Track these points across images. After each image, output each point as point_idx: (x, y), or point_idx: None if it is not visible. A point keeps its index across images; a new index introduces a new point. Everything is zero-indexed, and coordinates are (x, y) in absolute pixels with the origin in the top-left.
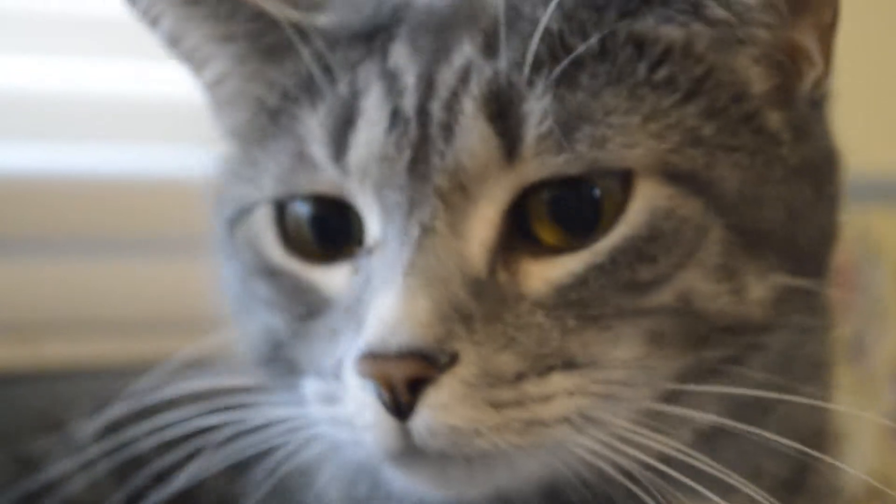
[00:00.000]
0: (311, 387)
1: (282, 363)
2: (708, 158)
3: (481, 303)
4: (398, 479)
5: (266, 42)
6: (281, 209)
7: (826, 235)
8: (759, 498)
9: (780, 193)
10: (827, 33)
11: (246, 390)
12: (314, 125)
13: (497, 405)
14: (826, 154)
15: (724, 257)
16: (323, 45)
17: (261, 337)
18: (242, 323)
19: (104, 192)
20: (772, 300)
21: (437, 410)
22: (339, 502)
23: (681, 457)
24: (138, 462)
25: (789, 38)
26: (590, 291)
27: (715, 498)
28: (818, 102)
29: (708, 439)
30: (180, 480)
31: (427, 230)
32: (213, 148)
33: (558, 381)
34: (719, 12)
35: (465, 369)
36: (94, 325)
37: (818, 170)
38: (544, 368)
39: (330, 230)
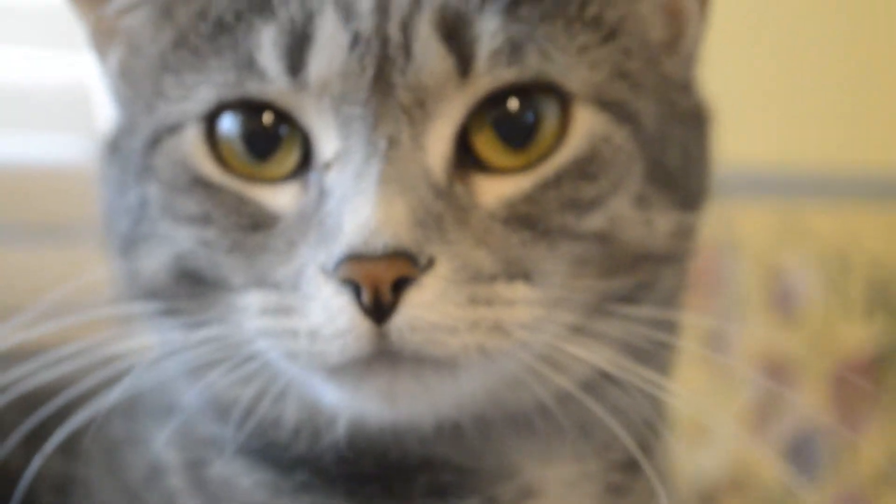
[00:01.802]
0: (254, 300)
1: (199, 284)
2: (632, 92)
3: (448, 209)
4: (341, 397)
5: None
6: (210, 128)
7: (706, 187)
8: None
9: (678, 136)
10: None
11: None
12: (265, 41)
13: (473, 301)
14: (704, 108)
15: (643, 187)
16: None
17: (170, 261)
18: (139, 252)
19: None
20: (672, 233)
21: (419, 308)
22: (263, 423)
23: (570, 397)
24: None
25: None
26: (539, 207)
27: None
28: (693, 61)
29: (587, 389)
30: (77, 419)
31: (394, 142)
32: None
33: (521, 289)
34: None
35: (444, 267)
36: None
37: (701, 121)
38: (511, 275)
39: (258, 146)
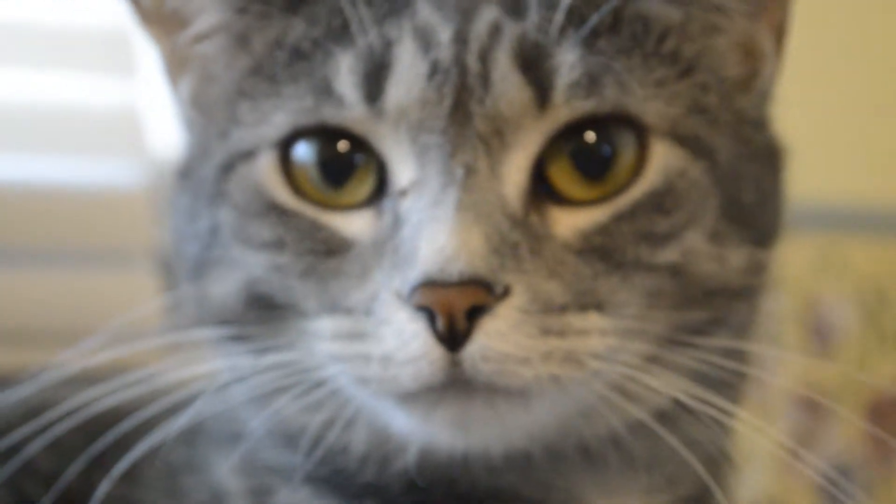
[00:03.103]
0: (326, 325)
1: (269, 309)
2: (709, 127)
3: (523, 238)
4: (412, 424)
5: None
6: (285, 154)
7: (779, 223)
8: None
9: (753, 172)
10: (780, 36)
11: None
12: (343, 68)
13: (545, 332)
14: (778, 146)
15: (717, 223)
16: None
17: (241, 286)
18: (210, 277)
19: None
20: (745, 269)
21: (493, 338)
22: (331, 450)
23: (643, 428)
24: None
25: (754, 34)
26: (613, 240)
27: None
28: (767, 99)
29: (661, 420)
30: (143, 445)
31: (471, 171)
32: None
33: (594, 319)
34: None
35: (519, 298)
36: None
37: (775, 158)
38: (583, 305)
39: (332, 174)
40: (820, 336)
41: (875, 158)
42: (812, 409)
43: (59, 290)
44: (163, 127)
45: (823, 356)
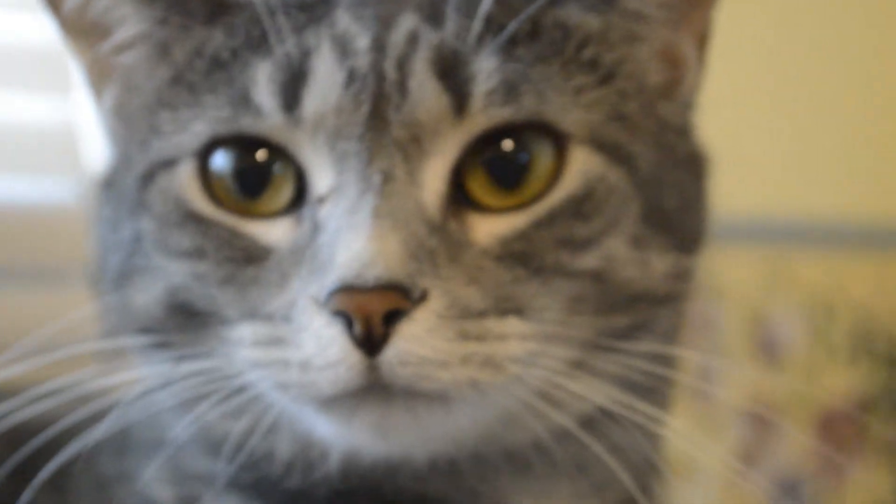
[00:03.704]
0: (246, 332)
1: (191, 317)
2: (628, 134)
3: (441, 244)
4: (333, 429)
5: (193, 4)
6: (203, 164)
7: (703, 230)
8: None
9: (675, 179)
10: (702, 45)
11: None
12: (261, 78)
13: (464, 337)
14: (701, 154)
15: (639, 229)
16: (266, 6)
17: (162, 294)
18: (132, 286)
19: None
20: (668, 274)
21: (410, 342)
22: (255, 457)
23: (568, 435)
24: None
25: (676, 43)
26: (532, 246)
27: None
28: (690, 107)
29: (586, 426)
30: (65, 454)
31: (388, 178)
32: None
33: (514, 324)
34: (631, 5)
35: (436, 302)
36: None
37: (699, 165)
38: (502, 310)
39: (249, 183)
40: (768, 350)
41: (821, 172)
42: (760, 422)
43: None
44: (98, 144)
45: (772, 370)
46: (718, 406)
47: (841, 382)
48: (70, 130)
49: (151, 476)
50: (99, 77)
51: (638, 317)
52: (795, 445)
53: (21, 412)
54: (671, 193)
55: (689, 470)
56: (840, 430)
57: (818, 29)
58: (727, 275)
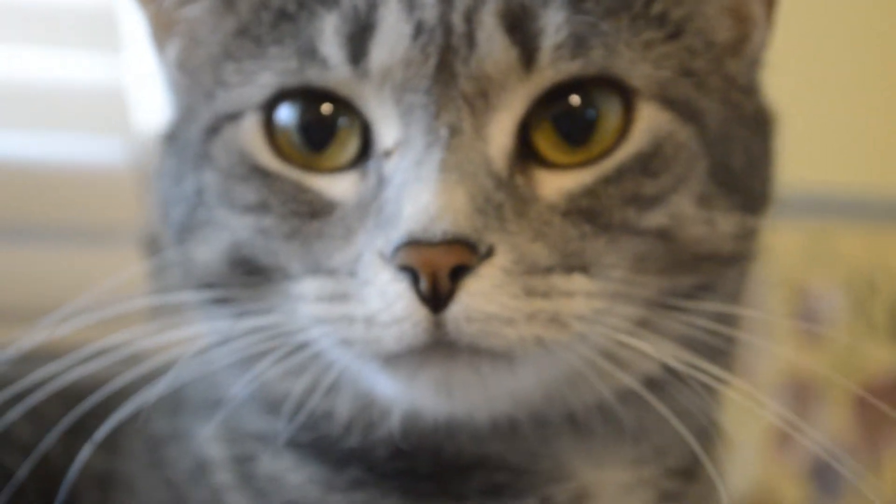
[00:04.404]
0: (309, 287)
1: (253, 272)
2: (697, 91)
3: (508, 198)
4: (396, 387)
5: None
6: (268, 117)
7: (769, 190)
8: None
9: (742, 138)
10: (771, 3)
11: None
12: (328, 30)
13: (529, 293)
14: (768, 113)
15: (705, 187)
16: None
17: (225, 248)
18: (195, 240)
19: None
20: (734, 234)
21: (476, 298)
22: (314, 416)
23: (632, 397)
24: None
25: (744, 0)
26: (600, 202)
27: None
28: (757, 66)
29: (651, 387)
30: (122, 412)
31: (455, 131)
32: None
33: (580, 281)
34: None
35: (503, 258)
36: None
37: (765, 124)
38: (568, 267)
39: (314, 137)
40: (808, 324)
41: (865, 146)
42: (801, 396)
43: (42, 267)
44: (147, 104)
45: (813, 344)
46: (759, 379)
47: (881, 357)
48: (120, 90)
49: (206, 435)
50: (162, 30)
51: (703, 276)
52: (835, 419)
53: (74, 371)
54: (738, 152)
55: (730, 442)
56: (879, 404)
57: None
58: (768, 248)
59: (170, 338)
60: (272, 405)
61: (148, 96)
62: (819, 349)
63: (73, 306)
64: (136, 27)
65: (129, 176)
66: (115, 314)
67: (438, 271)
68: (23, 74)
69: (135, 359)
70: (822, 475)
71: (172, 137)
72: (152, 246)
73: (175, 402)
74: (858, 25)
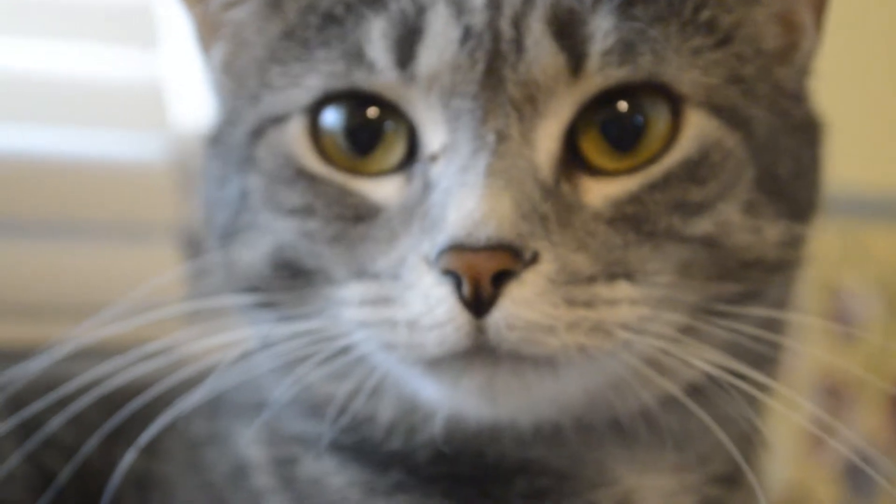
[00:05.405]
0: (353, 291)
1: (297, 276)
2: (745, 98)
3: (553, 207)
4: (439, 392)
5: None
6: (314, 120)
7: (816, 198)
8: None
9: (790, 146)
10: (820, 11)
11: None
12: (375, 33)
13: (572, 303)
14: (816, 120)
15: (752, 195)
16: None
17: (269, 252)
18: (238, 243)
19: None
20: (780, 242)
21: (518, 305)
22: (357, 419)
23: (675, 404)
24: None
25: (793, 8)
26: (645, 209)
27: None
28: (806, 73)
29: (694, 395)
30: (165, 417)
31: (502, 137)
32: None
33: (623, 288)
34: None
35: (547, 266)
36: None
37: (814, 132)
38: (611, 275)
39: (360, 141)
40: (841, 324)
41: None
42: (834, 397)
43: (79, 264)
44: (185, 101)
45: (846, 345)
46: (793, 380)
47: None
48: (157, 86)
49: (248, 437)
50: (208, 32)
51: (749, 284)
52: (869, 420)
53: (117, 375)
54: (785, 160)
55: (769, 447)
56: None
57: None
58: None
59: (211, 342)
60: (315, 408)
61: (185, 92)
62: (852, 349)
63: (115, 308)
64: (173, 23)
65: (166, 172)
66: (157, 317)
67: (481, 276)
68: (60, 70)
69: (176, 363)
70: (856, 475)
71: (216, 140)
72: (192, 244)
73: (214, 405)
74: (891, 27)
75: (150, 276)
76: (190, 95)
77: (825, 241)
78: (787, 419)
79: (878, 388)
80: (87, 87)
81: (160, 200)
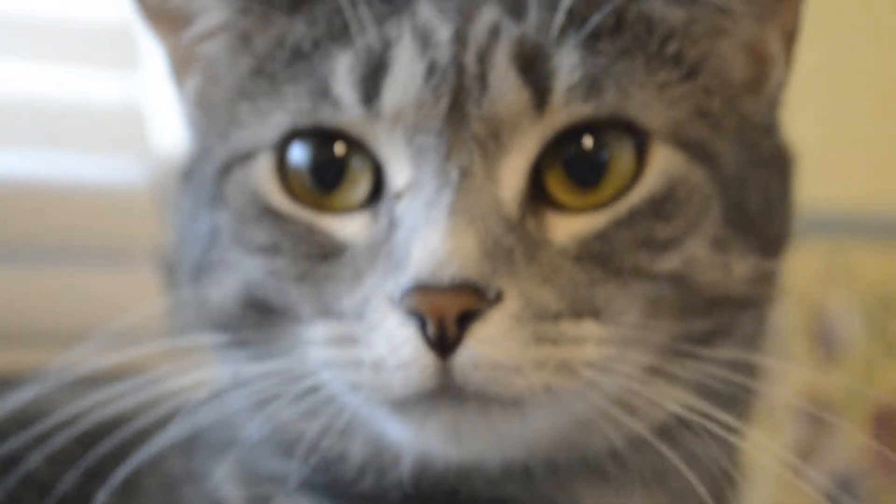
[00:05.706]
0: (319, 331)
1: (266, 314)
2: (712, 132)
3: (518, 242)
4: (405, 433)
5: None
6: (281, 157)
7: (787, 232)
8: None
9: (759, 179)
10: (790, 41)
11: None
12: (341, 69)
13: (538, 340)
14: (786, 152)
15: (720, 230)
16: None
17: (238, 290)
18: (209, 280)
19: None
20: (750, 278)
21: (483, 344)
22: (328, 458)
23: (644, 443)
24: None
25: (762, 38)
26: (611, 246)
27: None
28: (777, 104)
29: (662, 435)
30: (139, 455)
31: (466, 174)
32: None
33: (590, 327)
34: None
35: (511, 304)
36: None
37: (784, 164)
38: (577, 313)
39: (326, 178)
40: (826, 345)
41: (882, 165)
42: (817, 419)
43: (58, 288)
44: (166, 123)
45: (829, 365)
46: (775, 403)
47: None
48: (138, 109)
49: (221, 476)
50: (181, 65)
51: (718, 321)
52: (853, 441)
53: (97, 411)
54: (754, 194)
55: (748, 469)
56: None
57: (887, 20)
58: (785, 267)
59: (188, 379)
60: (286, 447)
61: (166, 115)
62: (836, 369)
63: (94, 340)
64: (154, 46)
65: (146, 196)
66: (134, 354)
67: (446, 316)
68: (40, 92)
69: (156, 398)
70: (841, 498)
71: (189, 175)
72: (172, 269)
73: (190, 443)
74: (873, 44)
75: (130, 300)
76: (171, 119)
77: (808, 260)
78: (766, 451)
79: (862, 406)
80: (67, 109)
81: (140, 224)
